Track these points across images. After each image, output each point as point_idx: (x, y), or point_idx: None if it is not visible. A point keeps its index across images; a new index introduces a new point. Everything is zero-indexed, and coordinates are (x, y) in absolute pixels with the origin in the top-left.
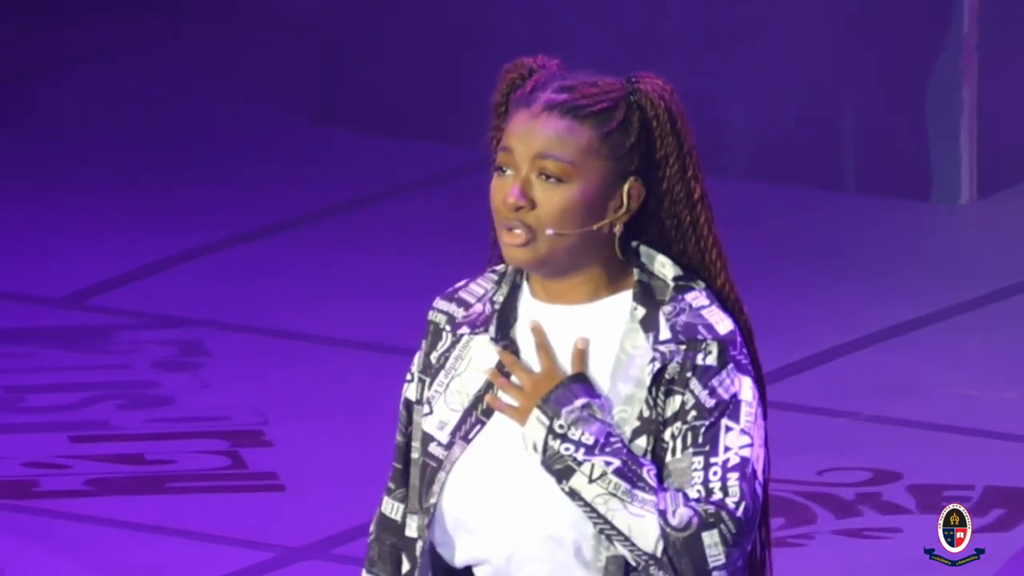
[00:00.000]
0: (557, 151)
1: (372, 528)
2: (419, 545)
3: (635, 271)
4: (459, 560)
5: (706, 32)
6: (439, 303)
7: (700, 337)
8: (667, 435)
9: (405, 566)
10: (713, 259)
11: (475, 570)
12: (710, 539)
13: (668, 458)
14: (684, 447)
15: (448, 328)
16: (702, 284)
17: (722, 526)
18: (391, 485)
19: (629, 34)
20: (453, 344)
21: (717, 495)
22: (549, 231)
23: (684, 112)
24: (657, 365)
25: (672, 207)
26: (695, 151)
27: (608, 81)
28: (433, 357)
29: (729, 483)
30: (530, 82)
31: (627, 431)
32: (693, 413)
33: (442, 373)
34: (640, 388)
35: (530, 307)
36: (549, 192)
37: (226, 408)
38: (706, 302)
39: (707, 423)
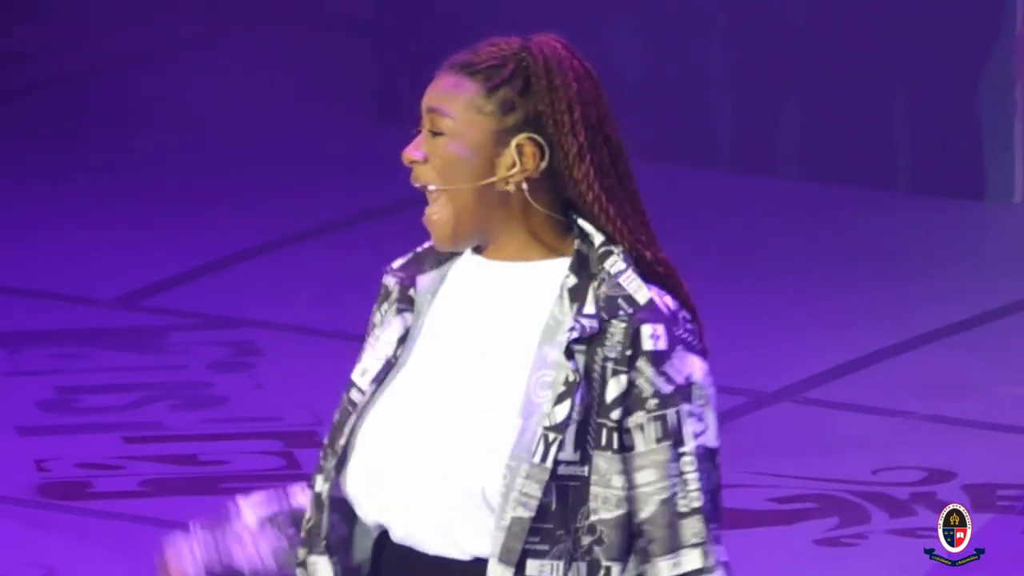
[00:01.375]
0: (441, 105)
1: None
2: (325, 488)
3: (576, 241)
4: (371, 518)
5: (756, 30)
6: (394, 265)
7: (621, 313)
8: (629, 423)
9: (310, 514)
10: (599, 210)
11: (389, 529)
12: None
13: (640, 448)
14: (656, 439)
15: (395, 284)
16: (618, 248)
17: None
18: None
19: (676, 31)
20: (394, 299)
21: (704, 504)
22: (431, 187)
23: (571, 68)
24: (575, 335)
25: (561, 162)
26: (579, 106)
27: (508, 41)
28: (378, 317)
29: (705, 473)
30: None
31: (551, 395)
32: (654, 402)
33: (378, 327)
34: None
35: (468, 261)
36: (433, 145)
37: (280, 408)
38: (622, 266)
39: (668, 412)
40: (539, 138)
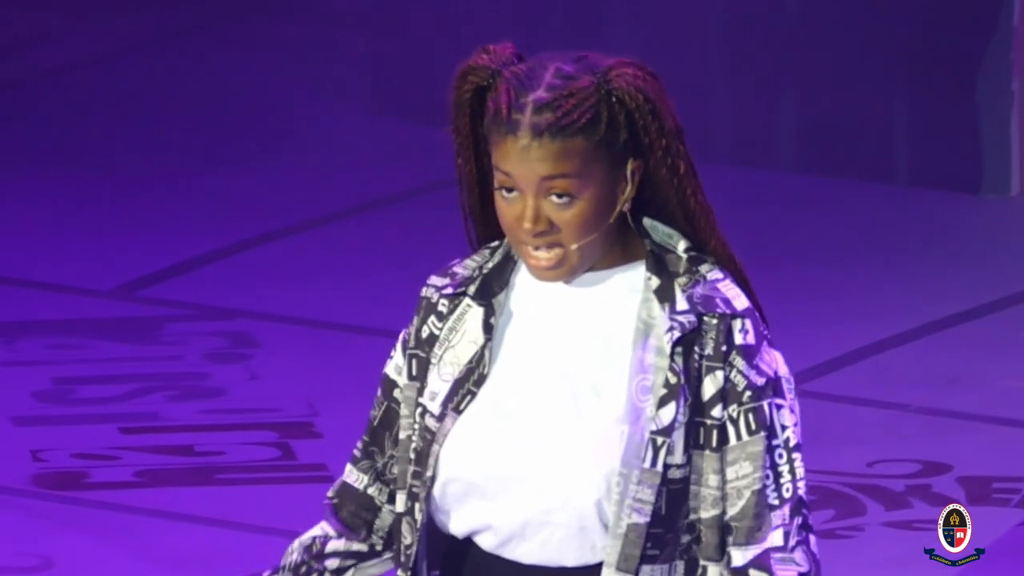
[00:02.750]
0: (560, 171)
1: (331, 494)
2: (419, 518)
3: (646, 242)
4: (462, 528)
5: (754, 24)
6: (433, 279)
7: (720, 311)
8: (724, 418)
9: (407, 539)
10: (702, 227)
11: (478, 538)
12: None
13: (734, 441)
14: (750, 431)
15: (439, 299)
16: (712, 258)
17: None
18: (356, 454)
19: (674, 26)
20: (447, 315)
21: (797, 494)
22: (574, 246)
23: (660, 90)
24: (676, 334)
25: (658, 185)
26: (676, 127)
27: (582, 87)
28: (425, 332)
29: (795, 464)
30: (502, 97)
31: (653, 399)
32: (748, 394)
33: (436, 345)
34: (662, 357)
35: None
36: (563, 208)
37: (276, 399)
38: (720, 275)
39: (762, 403)
40: (640, 159)
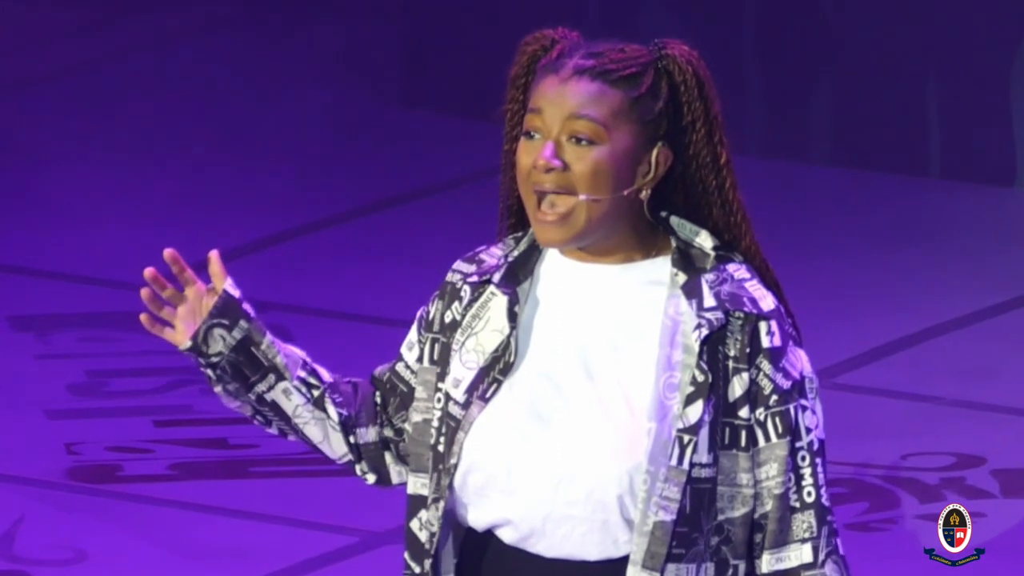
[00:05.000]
0: (588, 112)
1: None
2: (441, 504)
3: (672, 238)
4: (483, 521)
5: (788, 15)
6: (458, 264)
7: (746, 310)
8: (752, 420)
9: (434, 527)
10: (738, 222)
11: (499, 532)
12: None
13: (762, 443)
14: (778, 434)
15: (463, 285)
16: (740, 257)
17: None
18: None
19: (710, 16)
20: (471, 302)
21: (821, 501)
22: (582, 197)
23: (710, 77)
24: (704, 332)
25: (698, 172)
26: (720, 116)
27: (635, 48)
28: (448, 317)
29: (817, 468)
30: (555, 50)
31: (679, 396)
32: (775, 398)
33: (459, 331)
34: (690, 355)
35: (561, 266)
36: (581, 154)
37: None
38: (747, 275)
39: (788, 407)
40: (670, 146)
